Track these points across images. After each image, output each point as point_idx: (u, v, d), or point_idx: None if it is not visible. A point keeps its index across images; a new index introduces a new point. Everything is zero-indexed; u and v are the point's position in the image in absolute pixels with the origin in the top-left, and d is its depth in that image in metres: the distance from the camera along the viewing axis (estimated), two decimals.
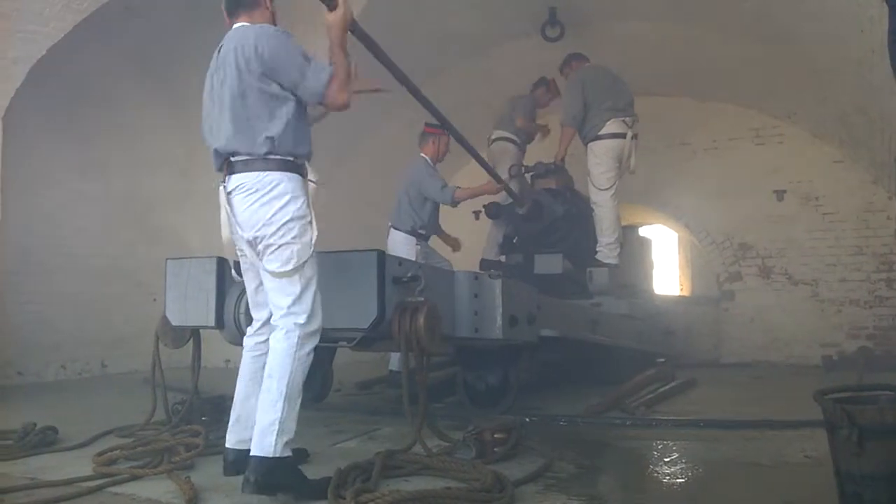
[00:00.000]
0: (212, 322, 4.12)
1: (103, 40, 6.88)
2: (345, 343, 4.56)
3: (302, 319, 3.13)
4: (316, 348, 5.07)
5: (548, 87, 7.90)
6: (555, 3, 7.89)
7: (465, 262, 8.76)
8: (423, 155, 6.74)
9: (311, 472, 3.32)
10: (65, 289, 7.26)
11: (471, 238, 8.85)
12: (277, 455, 2.94)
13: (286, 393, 3.08)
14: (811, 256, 8.86)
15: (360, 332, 3.83)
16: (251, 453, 2.96)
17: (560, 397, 5.76)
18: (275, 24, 3.44)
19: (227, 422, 4.16)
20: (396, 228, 6.50)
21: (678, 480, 3.30)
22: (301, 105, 3.33)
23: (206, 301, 4.10)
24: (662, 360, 6.91)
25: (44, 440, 3.84)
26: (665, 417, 4.82)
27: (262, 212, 3.14)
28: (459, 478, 3.08)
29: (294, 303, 3.11)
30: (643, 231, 9.39)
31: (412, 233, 6.39)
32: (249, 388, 3.39)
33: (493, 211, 7.44)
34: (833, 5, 5.17)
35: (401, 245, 6.20)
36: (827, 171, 8.75)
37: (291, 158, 3.28)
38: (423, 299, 3.70)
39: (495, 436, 3.56)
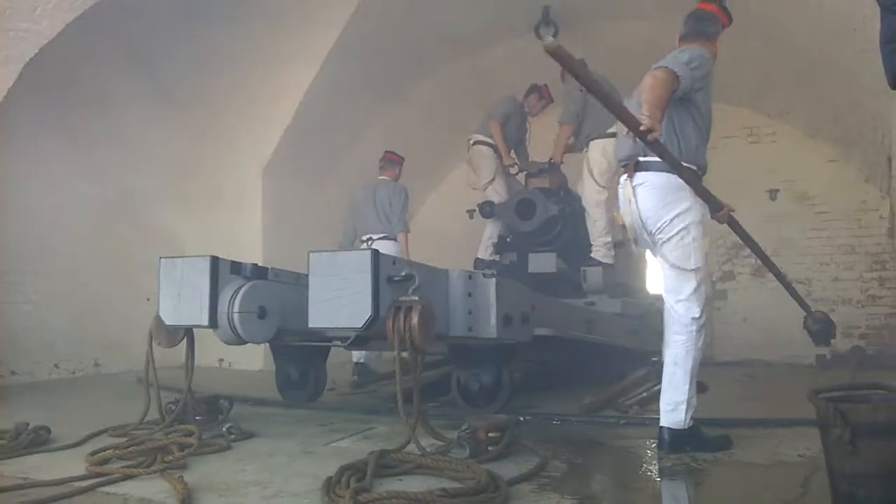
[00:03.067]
0: (205, 321, 4.12)
1: (97, 39, 6.85)
2: (339, 342, 4.58)
3: (696, 313, 3.67)
4: (309, 347, 5.13)
5: (540, 93, 7.82)
6: (548, 2, 7.89)
7: (459, 261, 8.78)
8: (387, 178, 7.62)
9: (307, 469, 3.34)
10: (58, 288, 7.24)
11: (465, 237, 8.88)
12: (687, 427, 3.65)
13: (690, 377, 3.70)
14: (804, 255, 8.87)
15: (354, 332, 3.84)
16: (661, 424, 3.70)
17: (554, 396, 5.76)
18: None
19: (221, 421, 4.20)
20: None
21: (672, 479, 3.31)
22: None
23: (199, 300, 4.10)
24: (656, 358, 6.90)
25: (36, 440, 3.83)
26: (658, 416, 4.82)
27: (664, 211, 3.63)
28: (454, 477, 3.08)
29: (689, 297, 3.66)
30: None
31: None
32: None
33: (486, 210, 7.45)
34: (827, 4, 5.19)
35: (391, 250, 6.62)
36: (820, 170, 8.77)
37: (694, 167, 3.71)
38: (416, 298, 3.70)
39: (489, 435, 3.57)
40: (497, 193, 7.56)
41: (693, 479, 3.28)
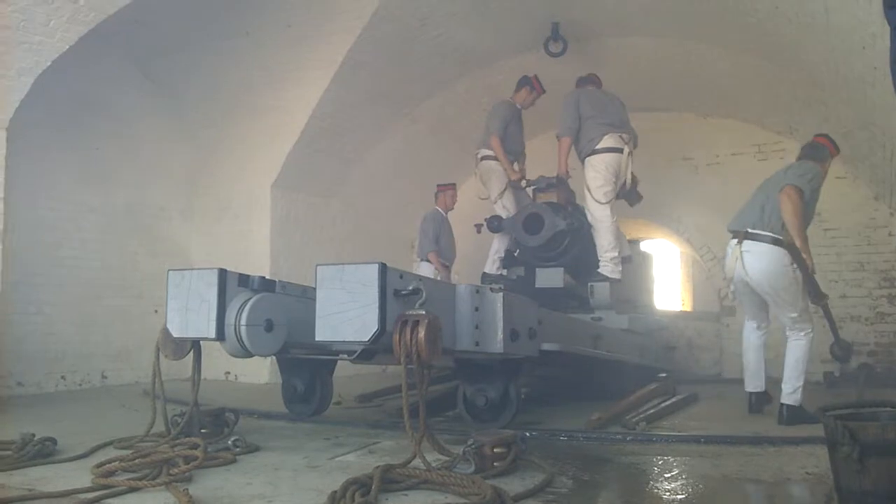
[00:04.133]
0: (213, 334, 4.11)
1: (109, 52, 6.93)
2: (345, 356, 4.57)
3: (809, 329, 5.25)
4: (315, 361, 5.12)
5: (531, 85, 7.74)
6: (557, 19, 7.93)
7: (467, 275, 8.79)
8: (437, 208, 8.52)
9: (311, 483, 3.33)
10: (66, 299, 7.26)
11: (472, 251, 8.88)
12: (799, 404, 5.03)
13: (804, 369, 5.19)
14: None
15: (361, 345, 3.83)
16: (782, 401, 5.10)
17: (560, 412, 5.74)
18: None
19: (227, 434, 4.21)
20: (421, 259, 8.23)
21: (678, 496, 3.29)
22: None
23: (207, 313, 4.10)
24: (664, 374, 6.89)
25: (42, 451, 3.83)
26: (666, 433, 4.81)
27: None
28: (459, 492, 3.06)
29: (798, 320, 5.22)
30: (645, 246, 9.40)
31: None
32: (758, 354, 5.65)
33: (494, 225, 7.45)
34: (835, 22, 5.19)
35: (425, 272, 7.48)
36: (829, 186, 8.65)
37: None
38: (423, 312, 3.70)
39: (495, 450, 3.54)
40: (506, 208, 7.58)
41: (700, 497, 3.26)
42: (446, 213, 8.51)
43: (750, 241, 5.13)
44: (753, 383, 5.62)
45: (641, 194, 7.47)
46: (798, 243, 4.91)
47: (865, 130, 6.76)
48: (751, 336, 5.66)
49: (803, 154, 5.54)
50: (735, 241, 5.24)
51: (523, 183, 7.59)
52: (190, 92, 7.98)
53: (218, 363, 7.42)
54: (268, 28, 7.22)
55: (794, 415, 4.98)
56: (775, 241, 5.04)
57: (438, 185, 8.64)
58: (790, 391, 5.05)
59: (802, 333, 5.19)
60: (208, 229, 8.64)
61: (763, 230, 5.09)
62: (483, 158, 7.65)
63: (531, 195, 7.74)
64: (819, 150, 5.51)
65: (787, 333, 5.26)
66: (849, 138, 7.70)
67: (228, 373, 8.18)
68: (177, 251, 8.39)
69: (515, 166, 7.64)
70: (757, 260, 5.11)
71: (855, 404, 3.13)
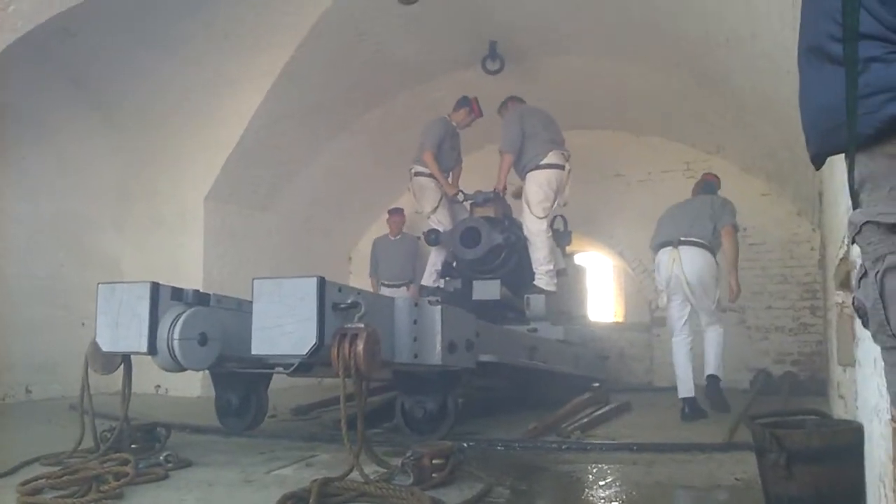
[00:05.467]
0: (144, 348, 4.04)
1: (38, 61, 6.72)
2: (281, 369, 4.53)
3: (720, 325, 6.44)
4: (250, 374, 5.05)
5: (470, 107, 7.84)
6: (495, 37, 8.04)
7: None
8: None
9: (247, 499, 3.28)
10: None
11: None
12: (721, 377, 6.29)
13: (722, 353, 6.36)
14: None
15: (298, 359, 3.81)
16: (710, 373, 6.34)
17: (498, 422, 5.80)
18: None
19: (158, 450, 4.11)
20: None
21: (613, 503, 3.36)
22: None
23: (138, 327, 4.02)
24: (597, 384, 7.02)
25: None
26: (600, 441, 4.90)
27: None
28: None
29: (715, 312, 6.38)
30: (579, 259, 9.57)
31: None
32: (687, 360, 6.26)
33: (432, 238, 7.50)
34: (761, 48, 5.40)
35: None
36: (754, 203, 9.07)
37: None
38: (362, 325, 3.70)
39: (433, 461, 3.57)
40: (440, 223, 7.64)
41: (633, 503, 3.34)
42: (395, 236, 9.41)
43: (685, 246, 6.21)
44: (685, 388, 6.16)
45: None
46: (733, 272, 6.45)
47: (789, 150, 7.04)
48: (679, 345, 6.36)
49: (707, 189, 6.95)
50: (670, 247, 6.25)
51: (460, 197, 7.65)
52: (123, 102, 7.80)
53: (148, 376, 7.20)
54: (204, 39, 7.11)
55: (716, 387, 6.31)
56: (704, 247, 6.24)
57: (388, 211, 9.37)
58: (715, 365, 6.36)
59: (718, 326, 6.43)
60: (140, 241, 8.44)
61: (695, 238, 6.22)
62: (416, 174, 7.69)
63: (468, 209, 7.81)
64: (714, 187, 7.04)
65: (706, 329, 6.44)
66: (774, 158, 8.03)
67: (159, 386, 7.98)
68: (107, 263, 8.15)
69: (451, 181, 7.72)
70: (691, 260, 6.20)
71: (781, 412, 3.26)
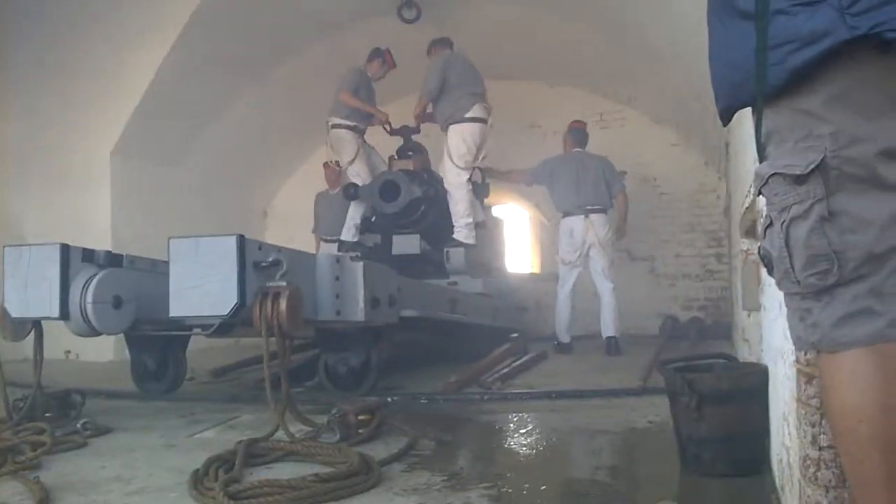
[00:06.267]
0: (56, 313, 3.89)
1: None
2: (199, 330, 4.45)
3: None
4: (167, 337, 4.93)
5: (383, 58, 7.77)
6: None
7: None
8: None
9: (171, 463, 3.24)
10: None
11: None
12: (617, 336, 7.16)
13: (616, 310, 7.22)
14: (648, 234, 9.45)
15: (219, 319, 3.75)
16: (611, 335, 7.17)
17: (420, 376, 5.86)
18: None
19: (74, 417, 3.99)
20: None
21: (533, 450, 3.48)
22: None
23: (49, 291, 3.87)
24: (515, 335, 7.18)
25: None
26: (519, 391, 5.04)
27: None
28: (325, 461, 3.08)
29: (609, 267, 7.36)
30: (496, 211, 9.67)
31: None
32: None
33: (350, 192, 7.43)
34: (675, 1, 5.52)
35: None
36: (665, 153, 9.35)
37: None
38: (284, 284, 3.66)
39: (359, 417, 3.59)
40: (358, 175, 7.57)
41: (553, 448, 3.46)
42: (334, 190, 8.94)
43: (594, 214, 7.28)
44: (569, 334, 7.46)
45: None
46: (623, 224, 7.57)
47: (698, 101, 7.22)
48: (567, 300, 7.43)
49: (581, 139, 7.70)
50: (581, 216, 7.24)
51: (386, 128, 7.66)
52: (18, 55, 7.35)
53: (57, 342, 6.95)
54: None
55: (615, 346, 7.11)
56: (605, 212, 7.36)
57: (323, 164, 9.10)
58: (613, 326, 7.20)
59: (611, 284, 7.31)
60: (44, 201, 8.03)
61: (599, 204, 7.31)
62: (333, 126, 7.57)
63: (386, 163, 7.77)
64: (586, 137, 7.77)
65: (601, 286, 7.36)
66: (684, 108, 8.24)
67: (69, 352, 7.71)
68: (8, 224, 7.77)
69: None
70: (601, 225, 7.30)
71: (690, 357, 3.42)
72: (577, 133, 7.71)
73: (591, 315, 7.76)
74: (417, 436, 3.57)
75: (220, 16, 7.25)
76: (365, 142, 7.77)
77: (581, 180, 7.27)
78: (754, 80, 1.38)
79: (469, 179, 7.19)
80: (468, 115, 7.04)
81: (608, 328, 7.24)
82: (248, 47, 8.08)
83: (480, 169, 7.84)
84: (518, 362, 6.12)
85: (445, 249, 7.10)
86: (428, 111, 7.35)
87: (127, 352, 5.42)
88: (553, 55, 9.06)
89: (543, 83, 9.84)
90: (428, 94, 7.14)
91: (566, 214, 7.35)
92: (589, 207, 7.23)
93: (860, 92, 1.30)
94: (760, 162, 1.49)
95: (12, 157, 8.01)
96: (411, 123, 7.59)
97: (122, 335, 5.14)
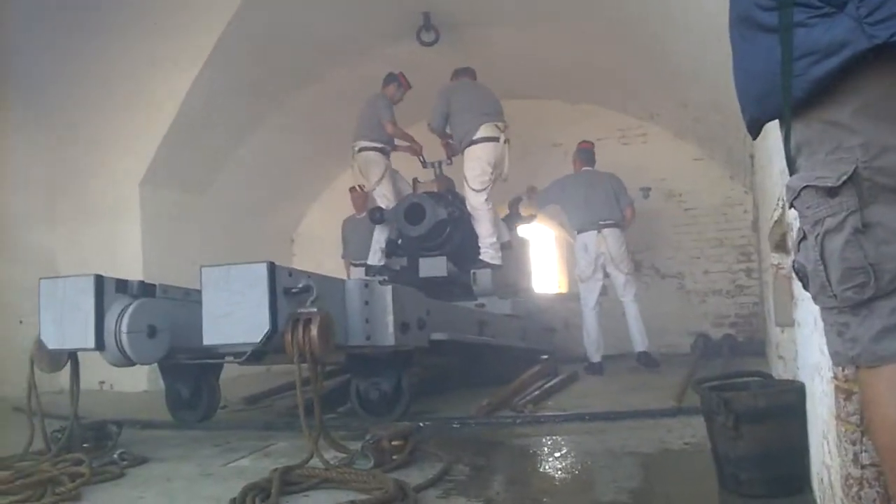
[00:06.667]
0: (92, 344, 3.94)
1: None
2: (233, 358, 4.48)
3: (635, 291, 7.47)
4: (201, 365, 4.98)
5: (398, 82, 7.84)
6: (428, 8, 7.99)
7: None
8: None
9: (208, 492, 3.26)
10: None
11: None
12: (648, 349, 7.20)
13: (642, 321, 7.33)
14: (677, 250, 9.39)
15: (251, 346, 3.78)
16: (642, 350, 7.29)
17: (452, 400, 5.85)
18: None
19: (111, 448, 4.03)
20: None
21: (568, 474, 3.45)
22: None
23: (84, 322, 3.92)
24: (545, 356, 7.14)
25: None
26: (552, 413, 5.01)
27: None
28: (361, 488, 3.09)
29: (630, 278, 7.51)
30: (521, 231, 9.67)
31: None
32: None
33: (376, 216, 7.47)
34: (692, 16, 5.51)
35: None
36: (688, 168, 9.31)
37: None
38: (315, 310, 3.69)
39: (393, 443, 3.59)
40: (385, 197, 7.63)
41: (588, 471, 3.43)
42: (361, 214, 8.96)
43: (607, 229, 7.39)
44: (600, 353, 7.43)
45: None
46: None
47: (720, 114, 7.20)
48: (595, 316, 7.47)
49: (590, 160, 7.95)
50: (594, 231, 7.38)
51: (421, 159, 7.91)
52: (47, 88, 7.51)
53: (91, 372, 7.03)
54: (131, 22, 6.91)
55: (649, 359, 7.22)
56: (618, 226, 7.47)
57: (349, 189, 9.09)
58: (642, 340, 7.31)
59: (633, 297, 7.44)
60: (75, 234, 8.16)
61: (611, 219, 7.43)
62: (361, 150, 7.64)
63: (411, 185, 7.83)
64: (594, 157, 7.98)
65: (625, 301, 7.47)
66: (705, 122, 8.22)
67: (103, 382, 7.80)
68: (41, 258, 7.90)
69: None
70: (614, 240, 7.40)
71: (725, 375, 3.38)
72: (585, 153, 7.93)
73: (617, 335, 7.73)
74: (451, 461, 3.56)
75: (243, 44, 7.37)
76: (391, 165, 7.83)
77: (591, 197, 7.50)
78: (780, 93, 1.39)
79: (487, 200, 7.18)
80: (476, 136, 7.09)
81: (638, 343, 7.36)
82: (269, 74, 8.21)
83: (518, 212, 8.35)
84: (549, 384, 6.09)
85: (472, 271, 7.10)
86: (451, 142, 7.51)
87: (161, 381, 5.48)
88: (572, 74, 9.09)
89: (564, 101, 9.86)
90: (434, 126, 7.41)
91: (580, 231, 7.55)
92: (601, 222, 7.40)
93: (889, 101, 1.30)
94: (791, 174, 1.49)
95: (44, 190, 8.16)
96: (429, 146, 7.72)
97: (155, 365, 5.21)
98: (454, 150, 7.56)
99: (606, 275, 7.52)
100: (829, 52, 1.30)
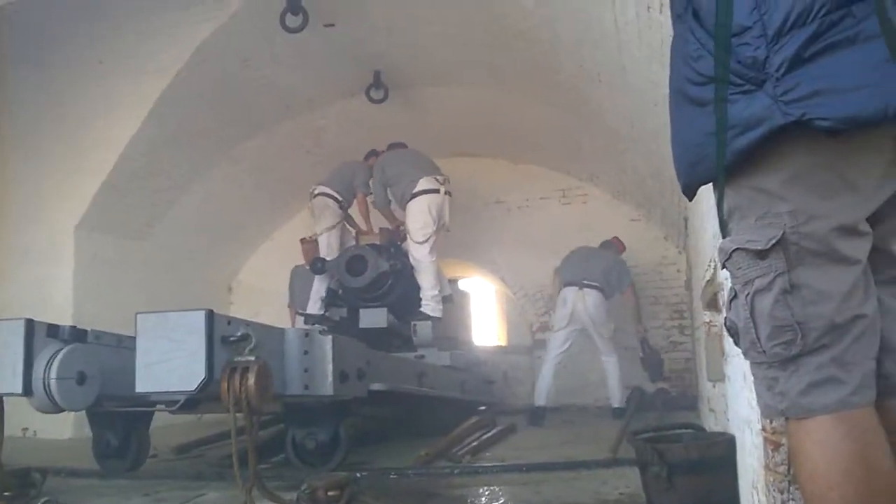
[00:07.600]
0: (19, 389, 3.81)
1: None
2: (164, 407, 4.38)
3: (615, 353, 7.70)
4: (131, 413, 4.84)
5: (378, 157, 8.05)
6: (379, 67, 8.14)
7: (285, 317, 8.71)
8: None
9: None
10: None
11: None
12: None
13: (621, 381, 7.72)
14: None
15: (186, 395, 3.71)
16: (617, 406, 7.63)
17: (390, 450, 5.81)
18: None
19: (35, 496, 3.88)
20: None
21: None
22: None
23: (12, 366, 3.80)
24: (483, 407, 7.15)
25: None
26: (490, 464, 5.01)
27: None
28: None
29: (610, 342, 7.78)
30: (463, 284, 9.75)
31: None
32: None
33: (318, 266, 7.46)
34: (632, 82, 5.75)
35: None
36: (626, 228, 9.54)
37: None
38: (253, 358, 3.65)
39: (329, 493, 3.54)
40: (329, 246, 7.69)
41: None
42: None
43: (587, 289, 7.61)
44: (543, 398, 7.55)
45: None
46: (639, 314, 8.45)
47: (656, 179, 7.47)
48: (553, 367, 7.66)
49: (607, 246, 8.42)
50: (575, 288, 7.60)
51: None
52: None
53: (14, 419, 6.74)
54: (75, 63, 6.85)
55: (620, 412, 7.37)
56: (601, 291, 7.69)
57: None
58: (619, 398, 7.71)
59: (613, 358, 7.75)
60: (5, 274, 7.92)
61: (595, 282, 7.66)
62: (320, 194, 7.82)
63: (355, 237, 7.88)
64: (615, 248, 8.48)
65: (604, 358, 7.78)
66: (642, 185, 8.49)
67: (26, 429, 7.46)
68: None
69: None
70: (594, 303, 7.61)
71: (659, 427, 3.46)
72: (606, 243, 8.49)
73: (563, 390, 7.82)
74: None
75: (191, 93, 7.36)
76: (346, 221, 7.95)
77: (588, 262, 7.86)
78: (708, 161, 1.48)
79: (431, 252, 7.27)
80: (416, 189, 7.24)
81: (615, 398, 7.75)
82: (218, 123, 8.19)
83: None
84: (487, 435, 6.09)
85: (413, 322, 7.12)
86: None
87: (87, 429, 5.29)
88: (517, 134, 9.31)
89: (508, 160, 10.07)
90: (377, 203, 7.69)
91: (564, 285, 7.74)
92: (586, 282, 7.63)
93: (815, 173, 1.40)
94: (724, 237, 1.57)
95: None
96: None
97: (82, 412, 5.04)
98: (402, 234, 7.70)
99: (588, 335, 7.75)
100: (748, 126, 1.39)
